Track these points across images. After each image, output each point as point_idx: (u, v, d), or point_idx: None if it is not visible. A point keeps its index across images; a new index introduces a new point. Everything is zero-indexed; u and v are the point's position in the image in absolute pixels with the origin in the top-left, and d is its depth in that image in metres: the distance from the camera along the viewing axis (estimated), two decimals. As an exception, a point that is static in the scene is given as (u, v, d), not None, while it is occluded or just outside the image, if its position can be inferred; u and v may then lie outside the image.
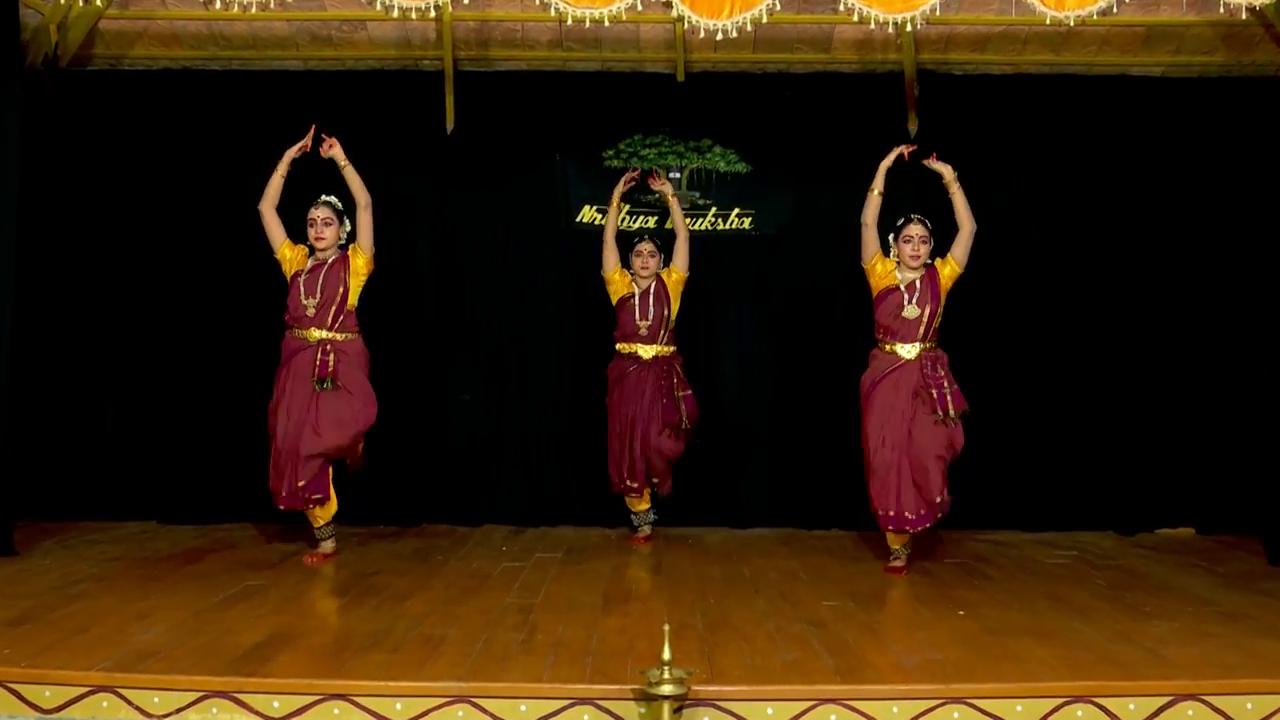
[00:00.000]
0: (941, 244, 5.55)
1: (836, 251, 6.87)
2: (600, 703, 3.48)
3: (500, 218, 6.94)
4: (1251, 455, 6.41)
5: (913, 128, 6.75)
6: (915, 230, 5.48)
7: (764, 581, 5.21)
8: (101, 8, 6.19)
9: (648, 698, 3.37)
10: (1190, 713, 3.53)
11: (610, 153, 6.90)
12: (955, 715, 3.50)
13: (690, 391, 6.26)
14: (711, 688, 3.51)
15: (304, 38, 6.71)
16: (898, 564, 5.44)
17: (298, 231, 5.73)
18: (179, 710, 3.51)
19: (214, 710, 3.51)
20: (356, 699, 3.51)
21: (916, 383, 5.35)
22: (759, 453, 6.83)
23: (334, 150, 5.65)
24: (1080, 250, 6.83)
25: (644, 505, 6.35)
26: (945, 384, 5.33)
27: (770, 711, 3.48)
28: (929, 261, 5.49)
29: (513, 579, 5.23)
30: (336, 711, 3.49)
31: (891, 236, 5.53)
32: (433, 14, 4.73)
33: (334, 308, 5.56)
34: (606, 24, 4.71)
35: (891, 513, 5.32)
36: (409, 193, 6.91)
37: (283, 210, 5.70)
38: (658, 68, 6.91)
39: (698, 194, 6.89)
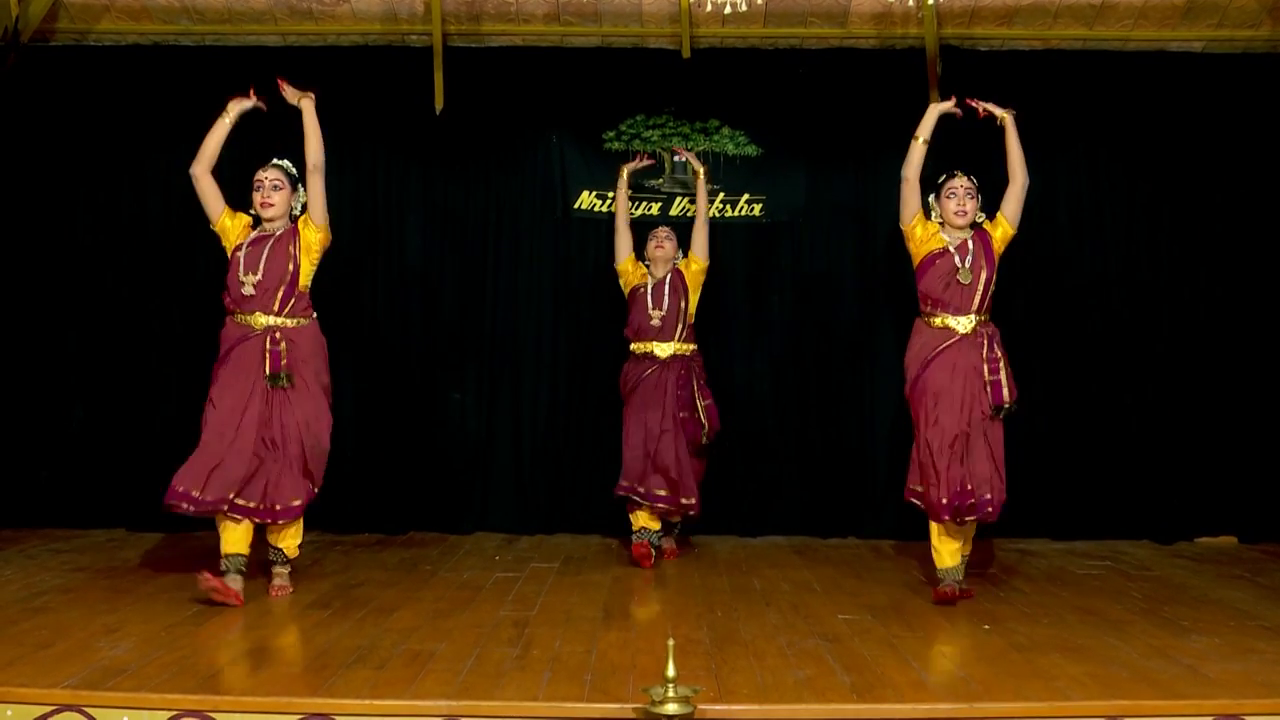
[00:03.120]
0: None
1: (853, 240, 6.91)
2: (600, 722, 3.49)
3: (493, 204, 6.96)
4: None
5: (935, 107, 6.75)
6: (960, 183, 5.16)
7: (775, 593, 5.22)
8: (65, -21, 6.21)
9: (651, 717, 3.38)
10: (1231, 734, 3.54)
11: (610, 134, 6.91)
12: (980, 736, 3.51)
13: (710, 400, 6.17)
14: (719, 707, 3.52)
15: (282, 11, 6.71)
16: (948, 588, 5.01)
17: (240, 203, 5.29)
18: (150, 730, 3.52)
19: (187, 730, 3.52)
20: (339, 719, 3.51)
21: (975, 362, 5.05)
22: (770, 456, 6.83)
23: (304, 101, 5.18)
24: (1115, 240, 6.84)
25: (655, 525, 6.09)
26: (1001, 368, 5.04)
27: (782, 732, 3.49)
28: (977, 220, 5.18)
29: (506, 590, 5.23)
30: (318, 732, 3.51)
31: (932, 196, 5.22)
32: (421, -15, 4.75)
33: (282, 289, 5.03)
34: (606, -4, 4.72)
35: (971, 501, 4.94)
36: (394, 177, 6.93)
37: (227, 176, 5.23)
38: (661, 43, 6.92)
39: (704, 179, 6.89)
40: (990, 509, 5.02)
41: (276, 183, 5.10)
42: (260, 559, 5.17)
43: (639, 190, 6.87)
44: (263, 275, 5.01)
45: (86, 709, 3.54)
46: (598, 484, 6.73)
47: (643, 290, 6.11)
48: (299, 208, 5.18)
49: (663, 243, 6.12)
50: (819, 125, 6.89)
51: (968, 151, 6.71)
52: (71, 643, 4.15)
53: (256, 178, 5.12)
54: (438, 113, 6.83)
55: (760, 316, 6.93)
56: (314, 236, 5.11)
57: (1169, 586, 5.42)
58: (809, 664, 3.98)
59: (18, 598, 4.90)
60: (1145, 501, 6.69)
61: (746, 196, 6.90)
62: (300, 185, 5.18)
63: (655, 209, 6.88)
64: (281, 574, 5.12)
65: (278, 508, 4.96)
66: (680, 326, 6.07)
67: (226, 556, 4.96)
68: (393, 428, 6.83)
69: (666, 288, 6.08)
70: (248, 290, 5.00)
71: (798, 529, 6.77)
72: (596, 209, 6.91)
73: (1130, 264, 6.83)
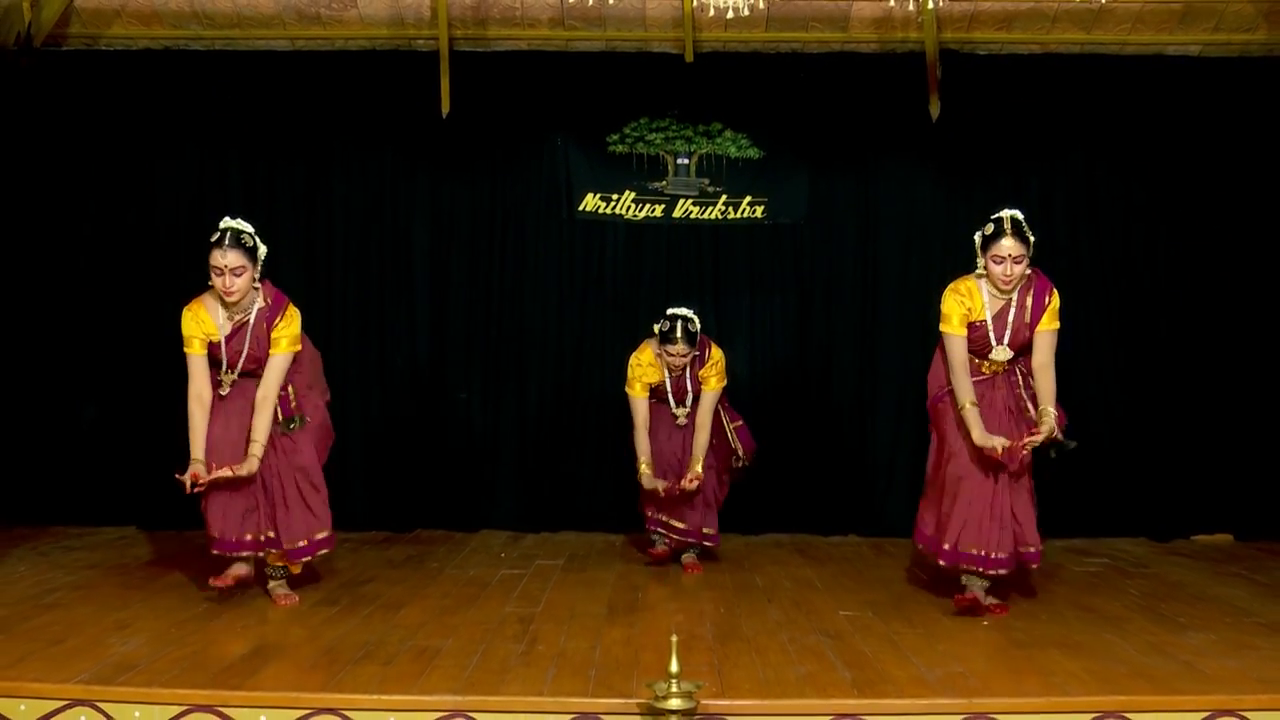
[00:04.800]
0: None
1: (854, 241, 6.91)
2: (604, 717, 3.49)
3: (498, 206, 6.96)
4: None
5: (934, 111, 6.75)
6: (1009, 248, 4.50)
7: (777, 590, 5.22)
8: (77, -16, 6.22)
9: (654, 712, 3.38)
10: (1228, 729, 3.54)
11: (615, 137, 6.91)
12: (979, 731, 3.51)
13: (741, 421, 5.94)
14: (721, 702, 3.52)
15: (291, 16, 6.72)
16: (971, 594, 4.70)
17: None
18: (161, 725, 3.53)
19: (197, 725, 3.53)
20: (347, 713, 3.51)
21: (1006, 396, 4.67)
22: (772, 455, 6.81)
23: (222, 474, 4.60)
24: (1111, 241, 6.84)
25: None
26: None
27: (783, 727, 3.50)
28: (1028, 272, 4.61)
29: (512, 587, 5.24)
30: (326, 726, 3.51)
31: (979, 241, 4.64)
32: (427, -10, 4.75)
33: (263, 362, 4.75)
34: (611, 1, 4.72)
35: (984, 552, 4.57)
36: (402, 179, 6.93)
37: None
38: (665, 47, 6.92)
39: (707, 181, 6.89)
40: (1009, 565, 4.62)
41: (237, 269, 4.60)
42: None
43: (642, 192, 6.88)
44: (238, 373, 4.75)
45: (98, 703, 3.55)
46: (602, 482, 6.74)
47: (662, 390, 5.68)
48: (258, 278, 4.71)
49: (677, 361, 5.56)
50: (820, 128, 6.88)
51: (979, 165, 6.74)
52: (83, 639, 4.16)
53: (215, 264, 4.61)
54: (444, 116, 6.83)
55: (762, 316, 6.92)
56: (290, 339, 4.75)
57: (1166, 584, 5.41)
58: (810, 660, 3.98)
59: (31, 594, 4.90)
60: (1142, 500, 6.67)
61: (749, 199, 6.90)
62: (258, 253, 4.69)
63: (659, 211, 6.87)
64: (282, 584, 4.89)
65: (323, 535, 4.78)
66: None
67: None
68: (400, 427, 6.84)
69: (689, 384, 5.67)
70: (224, 390, 4.76)
71: (799, 527, 6.76)
72: (601, 211, 6.90)
73: (1127, 265, 6.82)
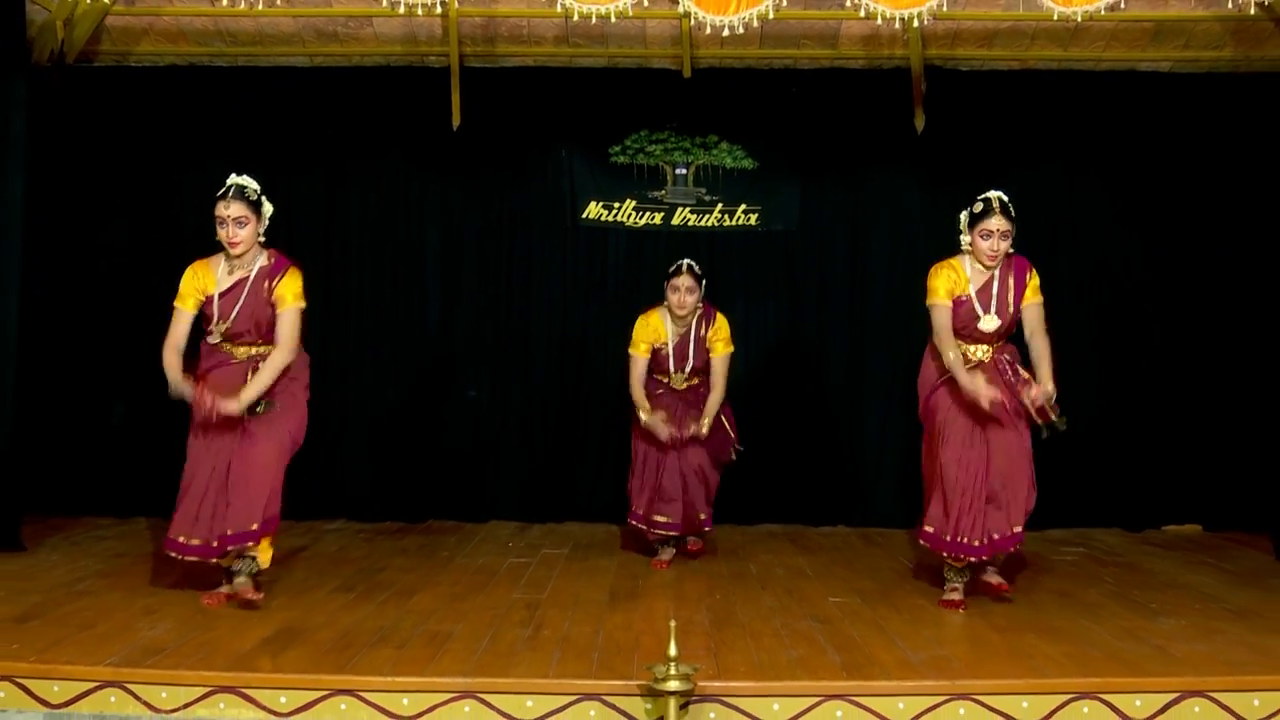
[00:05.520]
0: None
1: (844, 246, 6.92)
2: (606, 698, 3.51)
3: (506, 213, 6.97)
4: (1260, 451, 6.42)
5: (919, 124, 6.75)
6: (997, 224, 4.49)
7: (770, 578, 5.23)
8: (108, 4, 6.19)
9: (654, 693, 3.39)
10: (1196, 709, 3.54)
11: (616, 149, 6.92)
12: (961, 711, 3.52)
13: (729, 410, 5.78)
14: (717, 683, 3.53)
15: (310, 34, 6.73)
16: (956, 595, 4.64)
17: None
18: (186, 705, 3.54)
19: (221, 705, 3.54)
20: (363, 694, 3.53)
21: (994, 381, 4.51)
22: (765, 449, 6.83)
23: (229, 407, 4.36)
24: (1088, 247, 6.84)
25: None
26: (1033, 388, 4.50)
27: (776, 707, 3.50)
28: (1011, 251, 4.58)
29: (519, 575, 5.25)
30: (343, 707, 3.52)
31: (965, 220, 4.62)
32: (439, 10, 4.76)
33: (264, 326, 4.52)
34: (613, 20, 4.73)
35: (976, 541, 4.48)
36: (415, 188, 6.94)
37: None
38: (664, 64, 6.92)
39: (704, 190, 6.90)
40: (1008, 544, 4.51)
41: (241, 219, 4.44)
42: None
43: (643, 201, 6.88)
44: (234, 323, 4.50)
45: (127, 685, 3.57)
46: (604, 476, 6.75)
47: (664, 353, 5.56)
48: (264, 233, 4.56)
49: (684, 298, 5.45)
50: (812, 140, 6.89)
51: (962, 175, 6.74)
52: (113, 623, 4.17)
53: (219, 214, 4.46)
54: (455, 129, 6.83)
55: (756, 319, 6.93)
56: (294, 294, 4.53)
57: (1139, 571, 5.43)
58: (802, 644, 3.99)
59: (63, 581, 4.92)
60: (1117, 492, 6.68)
61: (743, 207, 6.90)
62: (262, 208, 4.54)
63: (658, 219, 6.88)
64: (246, 582, 4.47)
65: (253, 527, 4.41)
66: (704, 370, 5.58)
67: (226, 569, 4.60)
68: (413, 423, 6.84)
69: (691, 349, 5.55)
70: (214, 339, 4.53)
71: (792, 518, 6.76)
72: (603, 219, 6.91)
73: (1103, 269, 6.83)
